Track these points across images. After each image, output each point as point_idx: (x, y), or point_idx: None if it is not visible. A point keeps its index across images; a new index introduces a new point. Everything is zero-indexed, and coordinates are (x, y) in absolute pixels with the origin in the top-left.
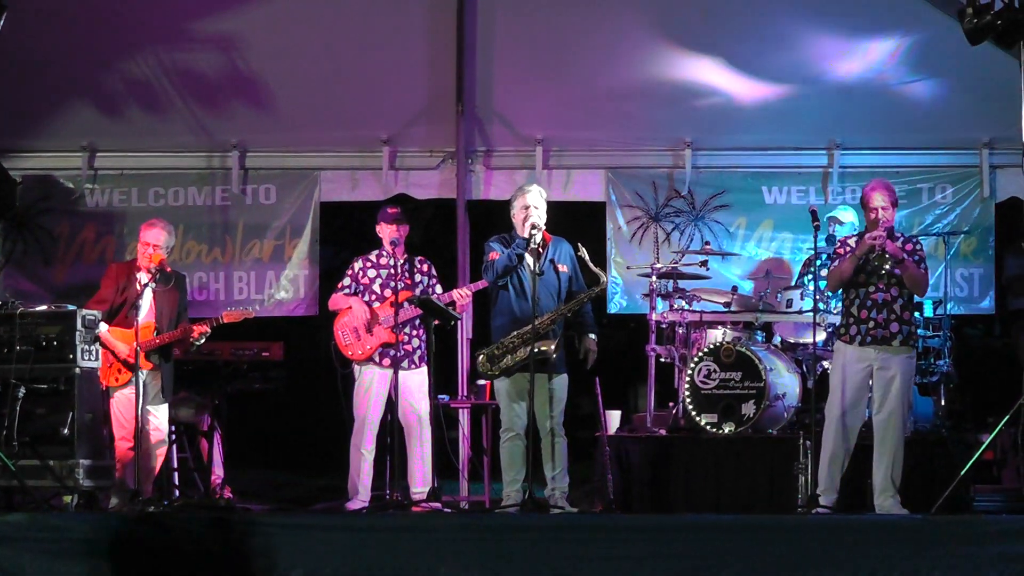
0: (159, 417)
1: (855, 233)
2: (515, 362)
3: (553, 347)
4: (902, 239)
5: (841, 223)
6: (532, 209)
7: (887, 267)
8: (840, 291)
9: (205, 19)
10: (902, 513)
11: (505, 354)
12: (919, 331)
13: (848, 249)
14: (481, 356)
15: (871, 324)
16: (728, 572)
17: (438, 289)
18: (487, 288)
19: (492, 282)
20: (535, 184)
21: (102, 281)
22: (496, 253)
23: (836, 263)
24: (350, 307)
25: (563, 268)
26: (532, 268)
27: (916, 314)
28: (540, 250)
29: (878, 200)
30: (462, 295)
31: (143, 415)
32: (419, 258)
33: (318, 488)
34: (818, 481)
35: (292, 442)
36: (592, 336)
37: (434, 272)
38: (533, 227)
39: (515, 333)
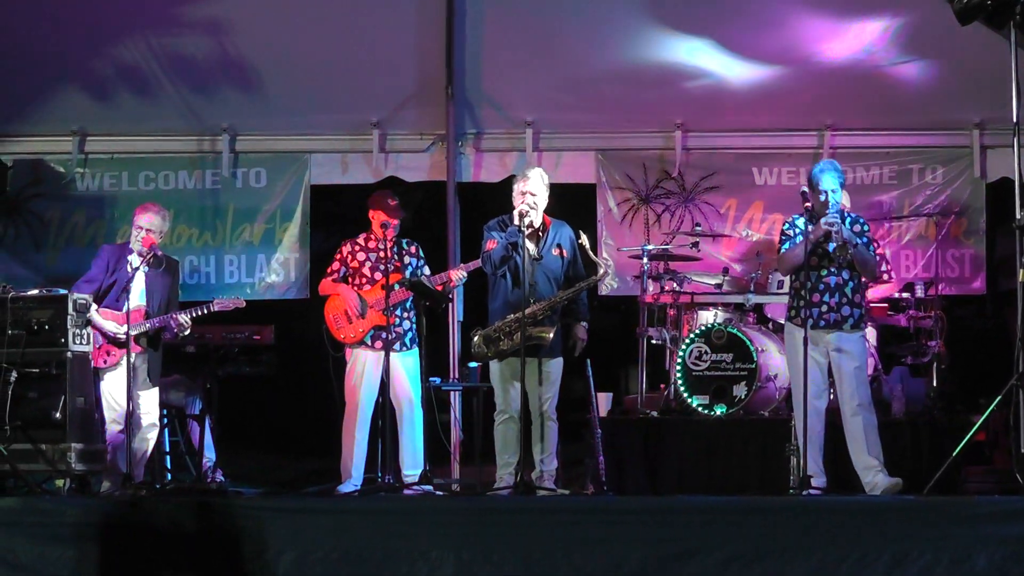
0: (148, 401)
1: (802, 215)
2: (510, 346)
3: (551, 334)
4: (849, 220)
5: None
6: (528, 196)
7: (849, 254)
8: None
9: (194, 3)
10: (892, 481)
11: (501, 337)
12: (910, 312)
13: (797, 231)
14: (477, 337)
15: (824, 308)
16: (719, 553)
17: (427, 271)
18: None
19: (490, 272)
20: (537, 169)
21: (93, 261)
22: (493, 241)
23: (787, 247)
24: (338, 292)
25: (562, 252)
26: (530, 253)
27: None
28: (540, 234)
29: (829, 182)
30: (459, 276)
31: (132, 399)
32: (406, 240)
33: (310, 471)
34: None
35: (283, 425)
36: (584, 324)
37: (422, 254)
38: (521, 215)
39: (512, 317)
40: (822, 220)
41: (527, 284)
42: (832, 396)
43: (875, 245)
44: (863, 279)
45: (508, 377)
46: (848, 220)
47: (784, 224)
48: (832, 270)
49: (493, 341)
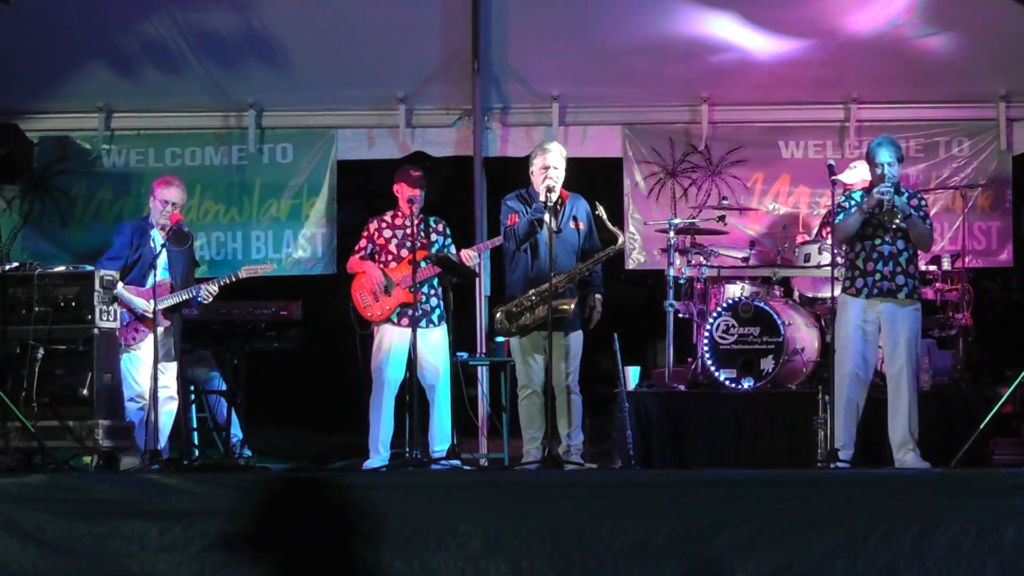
0: (168, 375)
1: (861, 187)
2: (533, 320)
3: (571, 306)
4: (907, 194)
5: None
6: (551, 170)
7: (897, 221)
8: (844, 245)
9: None
10: (922, 466)
11: (523, 312)
12: (937, 284)
13: (853, 203)
14: (499, 313)
15: (877, 276)
16: (747, 527)
17: (452, 250)
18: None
19: (515, 248)
20: (555, 142)
21: (115, 238)
22: (515, 216)
23: (842, 217)
24: (364, 270)
25: (579, 225)
26: (550, 226)
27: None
28: (558, 208)
29: (884, 156)
30: (470, 256)
31: (154, 372)
32: (434, 218)
33: (337, 446)
34: (835, 437)
35: (311, 400)
36: (598, 296)
37: (449, 232)
38: (549, 190)
39: (533, 291)
40: (874, 190)
41: (550, 259)
42: (879, 367)
43: (930, 221)
44: (918, 251)
45: (528, 351)
46: (905, 195)
47: (841, 197)
48: (886, 240)
49: (515, 317)
